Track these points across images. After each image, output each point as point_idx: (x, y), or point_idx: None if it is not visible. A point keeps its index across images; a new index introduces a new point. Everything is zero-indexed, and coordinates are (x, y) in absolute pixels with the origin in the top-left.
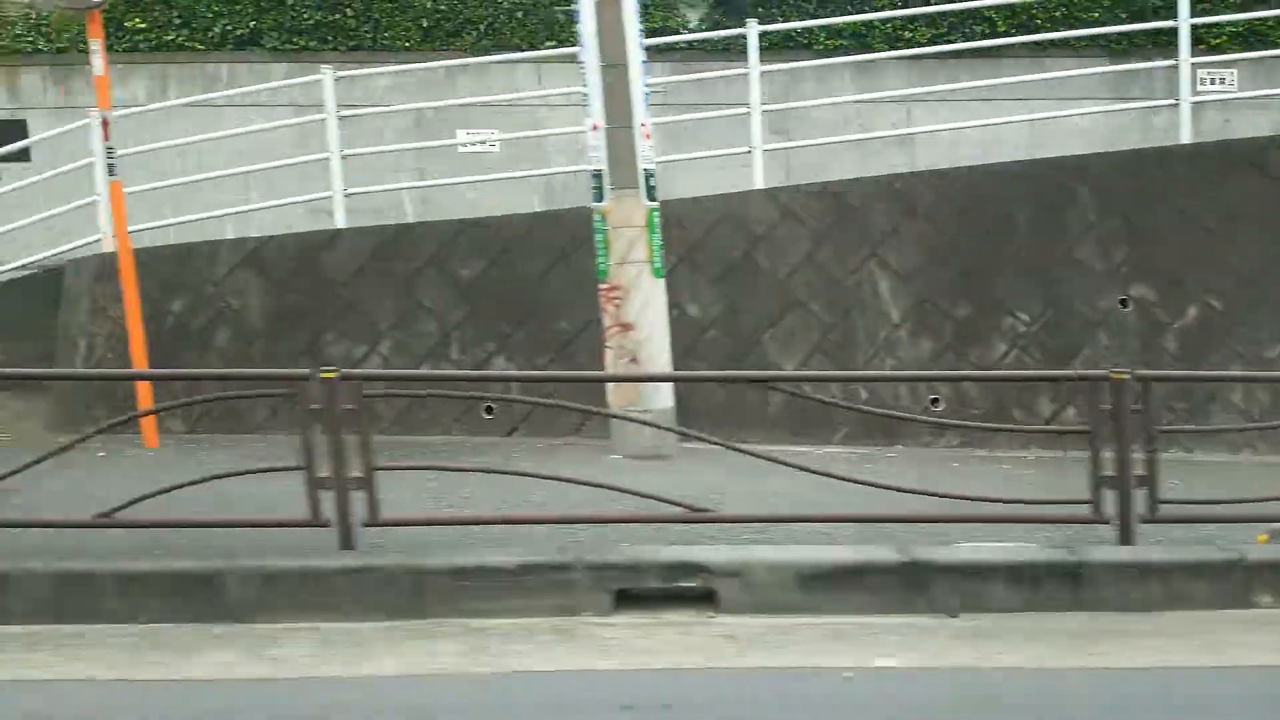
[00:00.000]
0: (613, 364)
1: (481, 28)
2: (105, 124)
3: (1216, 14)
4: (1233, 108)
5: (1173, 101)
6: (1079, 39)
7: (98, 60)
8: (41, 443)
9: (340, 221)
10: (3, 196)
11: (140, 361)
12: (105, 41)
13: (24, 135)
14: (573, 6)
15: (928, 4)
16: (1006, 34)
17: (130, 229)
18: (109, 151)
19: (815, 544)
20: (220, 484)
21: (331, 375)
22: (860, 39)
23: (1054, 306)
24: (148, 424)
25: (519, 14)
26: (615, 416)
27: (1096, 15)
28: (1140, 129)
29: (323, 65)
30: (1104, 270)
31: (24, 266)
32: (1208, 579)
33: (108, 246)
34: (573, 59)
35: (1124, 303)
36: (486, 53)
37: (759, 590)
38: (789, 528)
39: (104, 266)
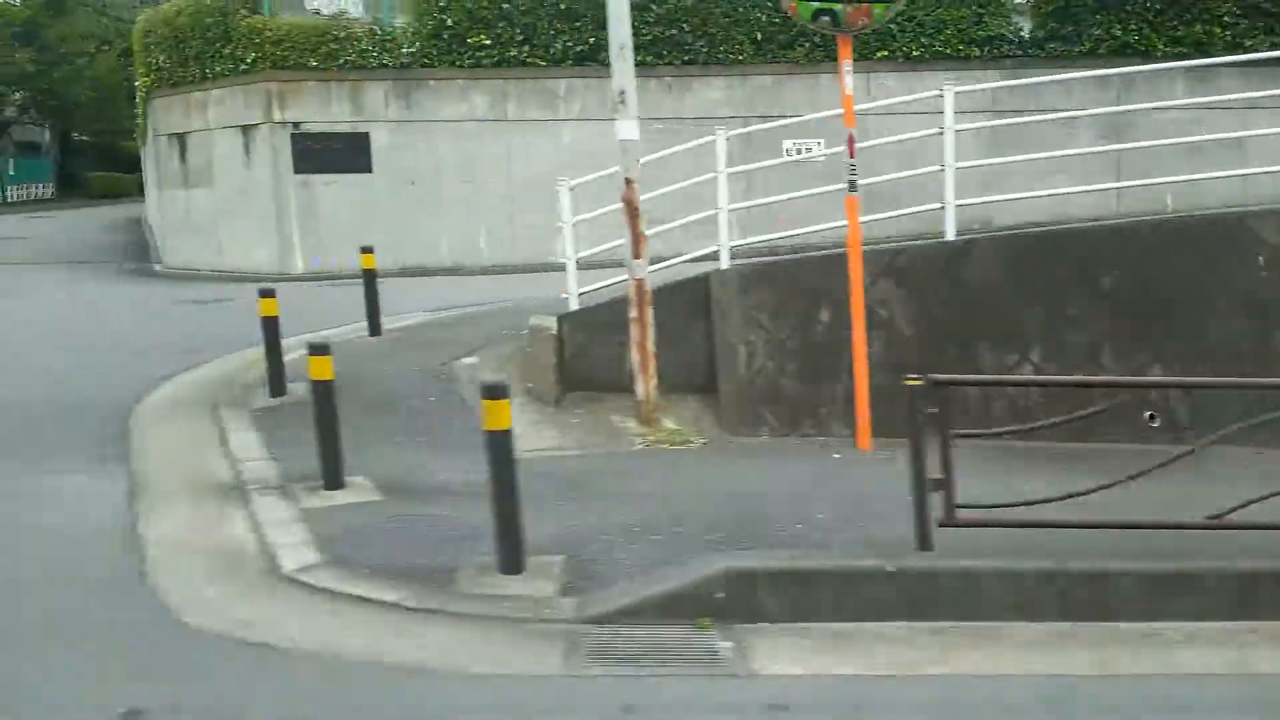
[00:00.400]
0: None
1: (815, 39)
2: (851, 140)
3: None
4: None
5: None
6: None
7: (848, 79)
8: (722, 442)
9: (950, 233)
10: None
11: (860, 366)
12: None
13: (366, 146)
14: None
15: None
16: None
17: (746, 241)
18: (851, 168)
19: None
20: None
21: None
22: None
23: None
24: (863, 425)
25: None
26: None
27: None
28: None
29: (944, 83)
30: None
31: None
32: None
33: (724, 260)
34: None
35: None
36: (817, 64)
37: None
38: None
39: (747, 279)
